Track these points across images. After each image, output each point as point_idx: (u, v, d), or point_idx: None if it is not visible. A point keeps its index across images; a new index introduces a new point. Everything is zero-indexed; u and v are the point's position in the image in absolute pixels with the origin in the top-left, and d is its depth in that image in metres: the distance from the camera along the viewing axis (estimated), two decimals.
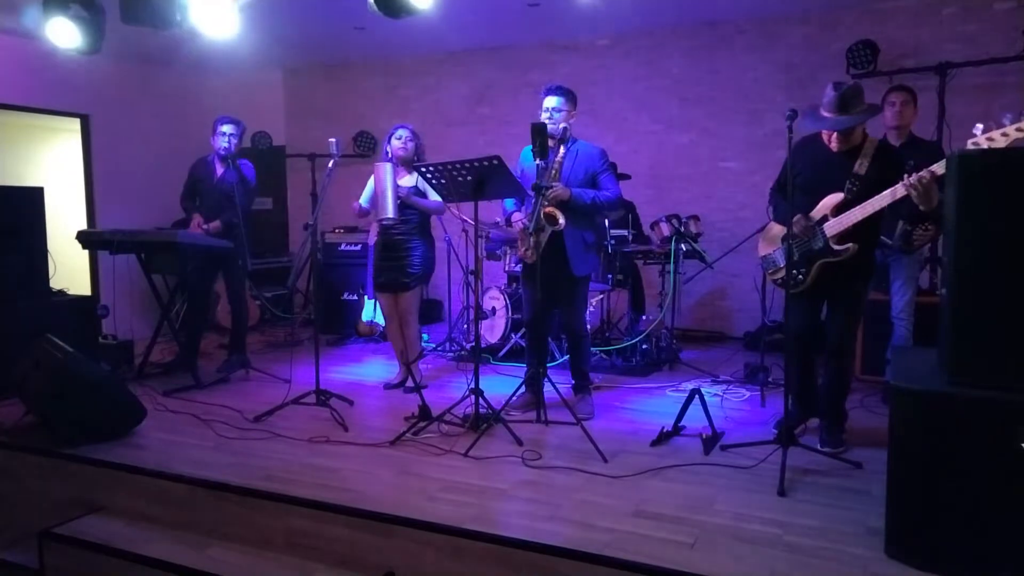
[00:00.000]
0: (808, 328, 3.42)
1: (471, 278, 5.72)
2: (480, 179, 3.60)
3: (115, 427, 3.72)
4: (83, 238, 4.83)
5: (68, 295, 4.96)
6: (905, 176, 2.99)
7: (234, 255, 4.88)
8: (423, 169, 3.79)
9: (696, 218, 5.33)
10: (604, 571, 2.38)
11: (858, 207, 3.14)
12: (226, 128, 4.85)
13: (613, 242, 5.07)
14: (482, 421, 3.64)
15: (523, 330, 4.92)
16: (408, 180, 4.42)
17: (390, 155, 4.44)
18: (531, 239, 3.76)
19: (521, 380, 3.99)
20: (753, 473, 3.11)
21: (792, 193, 3.19)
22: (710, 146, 6.20)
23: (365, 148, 7.31)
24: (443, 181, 3.73)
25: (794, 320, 3.36)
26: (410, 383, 4.48)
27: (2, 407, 4.14)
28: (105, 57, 5.99)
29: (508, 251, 5.48)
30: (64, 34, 4.06)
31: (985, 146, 2.69)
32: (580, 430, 3.48)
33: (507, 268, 5.58)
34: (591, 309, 5.08)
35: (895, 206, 3.13)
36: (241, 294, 5.12)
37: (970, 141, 2.68)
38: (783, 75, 5.89)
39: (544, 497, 2.92)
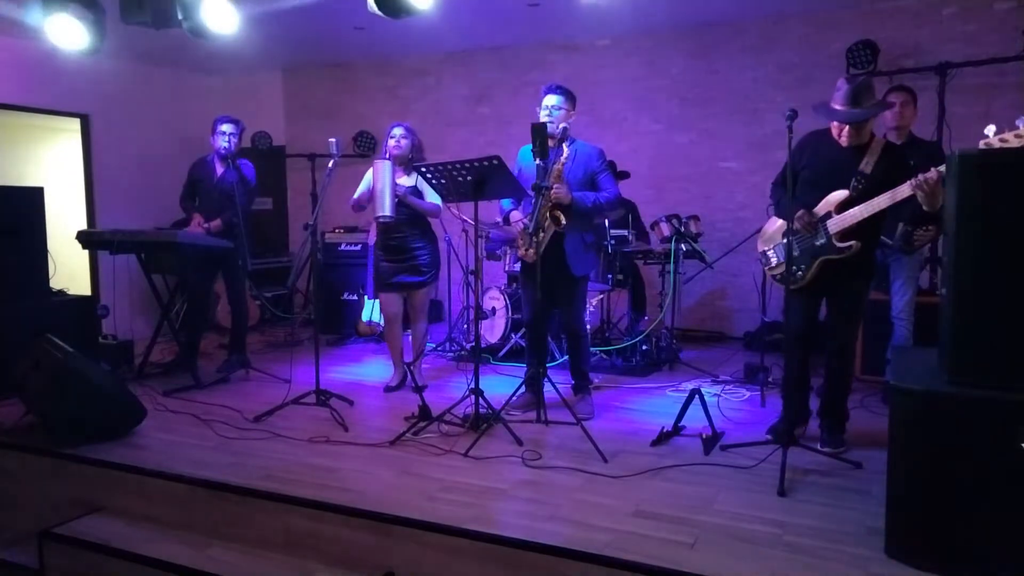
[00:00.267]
0: (806, 327, 3.42)
1: (471, 278, 5.72)
2: (480, 179, 3.60)
3: (115, 427, 3.72)
4: (83, 238, 4.83)
5: (68, 295, 4.96)
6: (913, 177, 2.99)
7: (234, 255, 4.88)
8: (423, 169, 3.79)
9: (696, 218, 5.33)
10: (604, 571, 2.38)
11: (863, 205, 3.13)
12: (225, 127, 4.85)
13: (613, 242, 5.07)
14: (482, 421, 3.64)
15: (523, 330, 4.92)
16: (406, 180, 4.41)
17: (388, 154, 4.44)
18: (532, 239, 3.76)
19: (521, 380, 3.99)
20: (753, 473, 3.11)
21: (793, 191, 3.18)
22: (710, 146, 6.20)
23: (365, 148, 7.30)
24: (443, 181, 3.73)
25: (793, 318, 3.36)
26: (410, 383, 4.48)
27: (2, 407, 4.14)
28: (105, 57, 6.01)
29: (508, 251, 5.48)
30: (64, 33, 4.07)
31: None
32: (580, 430, 3.48)
33: (507, 268, 5.58)
34: (591, 309, 5.08)
35: (897, 208, 3.13)
36: (241, 294, 5.12)
37: (982, 142, 2.65)
38: (783, 75, 5.89)
39: (544, 497, 2.92)
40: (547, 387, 3.91)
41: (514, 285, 5.60)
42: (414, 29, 5.60)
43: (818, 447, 3.33)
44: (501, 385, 4.54)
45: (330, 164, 4.15)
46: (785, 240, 3.22)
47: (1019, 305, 2.27)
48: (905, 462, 2.39)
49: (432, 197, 4.33)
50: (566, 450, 3.43)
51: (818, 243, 3.27)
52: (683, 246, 5.06)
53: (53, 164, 7.54)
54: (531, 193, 3.74)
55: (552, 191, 3.69)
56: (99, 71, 6.37)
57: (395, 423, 3.83)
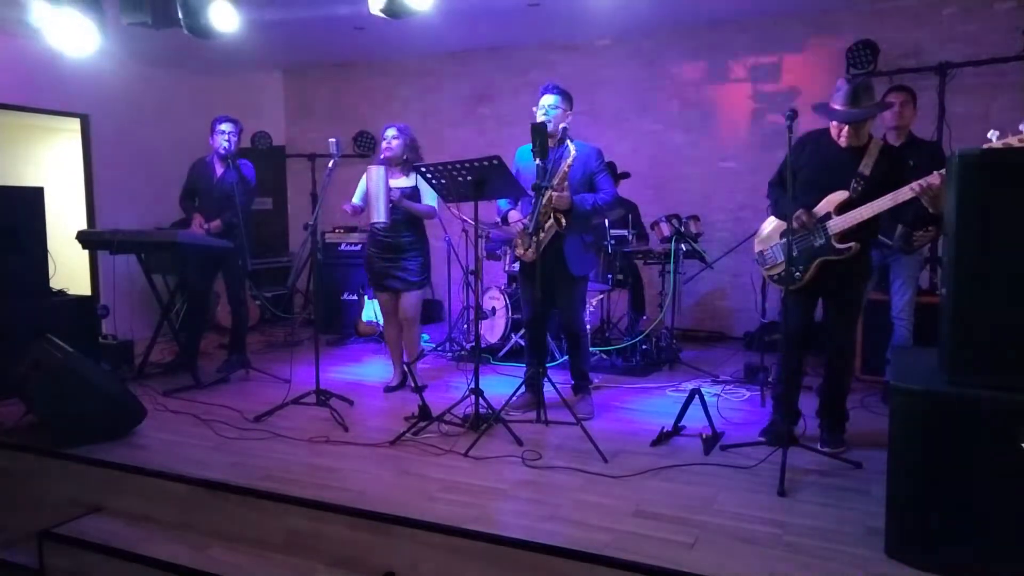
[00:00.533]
0: (802, 327, 3.42)
1: (471, 278, 5.72)
2: (480, 179, 3.61)
3: (115, 427, 3.72)
4: (83, 238, 4.83)
5: (68, 295, 4.95)
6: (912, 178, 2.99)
7: (234, 255, 4.87)
8: (423, 169, 3.79)
9: (696, 218, 5.33)
10: (604, 571, 2.38)
11: (864, 206, 3.13)
12: (225, 127, 4.85)
13: (613, 242, 5.07)
14: (482, 421, 3.64)
15: (523, 330, 4.92)
16: (404, 181, 4.40)
17: (381, 156, 4.43)
18: (532, 239, 3.76)
19: (521, 380, 3.99)
20: (753, 473, 3.12)
21: (792, 190, 3.18)
22: (710, 146, 6.20)
23: (365, 148, 7.31)
24: (443, 181, 3.73)
25: (791, 319, 3.36)
26: (410, 383, 4.48)
27: (2, 407, 4.14)
28: (105, 57, 6.02)
29: (508, 251, 5.48)
30: (64, 33, 4.06)
31: None
32: (580, 430, 3.48)
33: (507, 268, 5.58)
34: (591, 309, 5.08)
35: (897, 209, 3.12)
36: (241, 294, 5.12)
37: (985, 146, 2.65)
38: (783, 75, 5.89)
39: (544, 497, 2.92)
40: (547, 387, 3.91)
41: (514, 285, 5.60)
42: (414, 29, 5.60)
43: (818, 447, 3.33)
44: (501, 385, 4.54)
45: (330, 164, 4.15)
46: (782, 240, 3.22)
47: (1019, 305, 2.27)
48: (905, 462, 2.39)
49: (429, 199, 4.33)
50: (566, 450, 3.43)
51: (817, 244, 3.27)
52: (683, 246, 5.06)
53: (53, 164, 7.54)
54: (531, 193, 3.75)
55: (552, 198, 3.68)
56: (99, 71, 6.37)
57: (395, 423, 3.83)
